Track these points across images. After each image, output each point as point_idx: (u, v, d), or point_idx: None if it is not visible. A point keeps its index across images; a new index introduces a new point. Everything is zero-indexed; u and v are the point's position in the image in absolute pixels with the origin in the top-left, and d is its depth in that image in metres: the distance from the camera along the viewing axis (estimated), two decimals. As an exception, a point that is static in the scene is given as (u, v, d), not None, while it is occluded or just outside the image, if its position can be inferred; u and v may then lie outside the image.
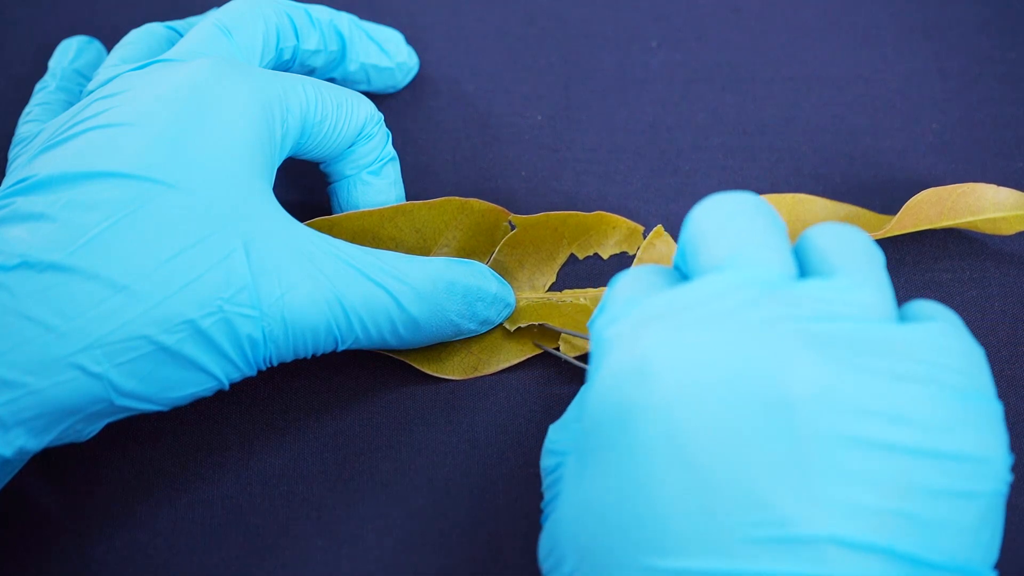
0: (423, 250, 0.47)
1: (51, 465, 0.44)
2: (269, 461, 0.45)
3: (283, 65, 0.47)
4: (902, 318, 0.34)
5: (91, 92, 0.43)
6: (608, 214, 0.48)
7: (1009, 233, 0.47)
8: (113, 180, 0.38)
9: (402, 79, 0.52)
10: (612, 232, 0.49)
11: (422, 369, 0.46)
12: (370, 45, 0.50)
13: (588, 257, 0.49)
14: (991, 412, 0.32)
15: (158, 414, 0.45)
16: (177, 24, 0.48)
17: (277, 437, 0.45)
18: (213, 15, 0.45)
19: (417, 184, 0.50)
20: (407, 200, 0.48)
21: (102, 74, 0.43)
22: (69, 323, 0.37)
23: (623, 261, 0.49)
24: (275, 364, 0.41)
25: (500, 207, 0.47)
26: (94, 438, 0.41)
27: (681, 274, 0.36)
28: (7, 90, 0.53)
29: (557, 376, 0.46)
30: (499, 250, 0.48)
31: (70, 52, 0.50)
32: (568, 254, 0.49)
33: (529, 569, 0.42)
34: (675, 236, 0.48)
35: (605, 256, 0.49)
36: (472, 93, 0.53)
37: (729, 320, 0.32)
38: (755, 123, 0.52)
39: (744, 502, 0.30)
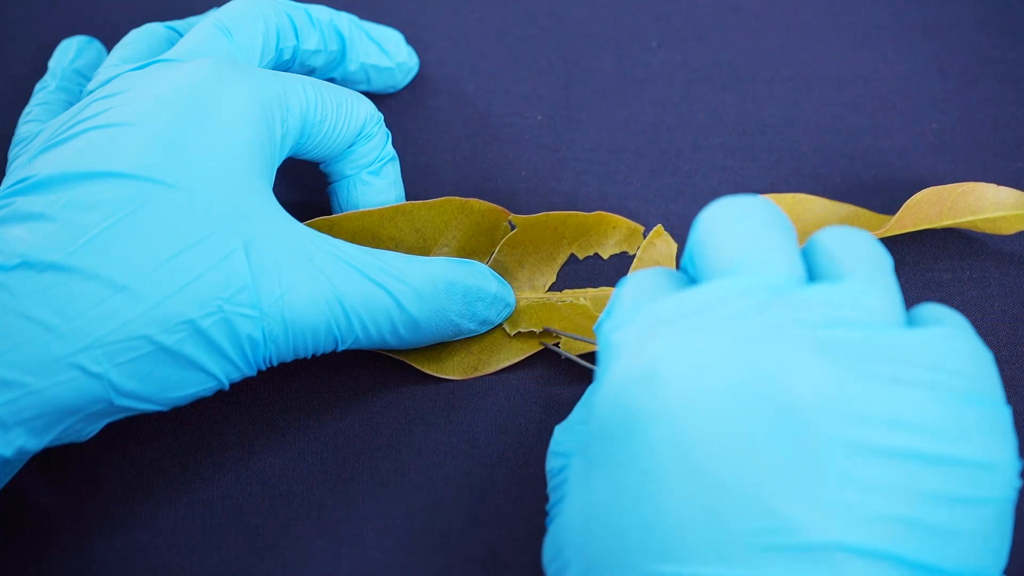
0: (423, 250, 0.47)
1: (51, 465, 0.44)
2: (269, 461, 0.45)
3: (283, 65, 0.47)
4: (910, 322, 0.34)
5: (91, 92, 0.43)
6: (608, 214, 0.48)
7: (1009, 233, 0.47)
8: (113, 180, 0.38)
9: (402, 79, 0.52)
10: (612, 232, 0.49)
11: (422, 369, 0.46)
12: (370, 45, 0.50)
13: (588, 257, 0.49)
14: (1000, 417, 0.32)
15: (158, 414, 0.44)
16: (177, 24, 0.48)
17: (277, 437, 0.45)
18: (213, 15, 0.45)
19: (417, 184, 0.50)
20: (407, 200, 0.48)
21: (102, 74, 0.43)
22: (69, 323, 0.37)
23: (623, 261, 0.49)
24: (275, 364, 0.41)
25: (500, 207, 0.47)
26: (94, 438, 0.41)
27: (688, 277, 0.36)
28: (7, 90, 0.53)
29: (557, 376, 0.46)
30: (499, 250, 0.48)
31: (70, 52, 0.50)
32: (568, 254, 0.49)
33: (529, 569, 0.42)
34: (675, 236, 0.48)
35: (605, 256, 0.49)
36: (472, 93, 0.53)
37: (737, 325, 0.32)
38: (755, 123, 0.52)
39: (752, 509, 0.30)
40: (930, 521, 0.30)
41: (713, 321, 0.32)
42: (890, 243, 0.49)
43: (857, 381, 0.31)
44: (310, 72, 0.49)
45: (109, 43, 0.51)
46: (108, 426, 0.42)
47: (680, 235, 0.48)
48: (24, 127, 0.46)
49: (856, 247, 0.34)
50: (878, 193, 0.50)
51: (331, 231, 0.45)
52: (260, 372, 0.41)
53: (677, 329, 0.32)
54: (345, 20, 0.49)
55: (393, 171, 0.47)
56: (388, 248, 0.46)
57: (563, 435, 0.39)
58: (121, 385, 0.38)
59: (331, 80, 0.50)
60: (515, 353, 0.46)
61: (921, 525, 0.30)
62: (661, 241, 0.48)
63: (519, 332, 0.46)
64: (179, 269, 0.38)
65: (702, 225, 0.35)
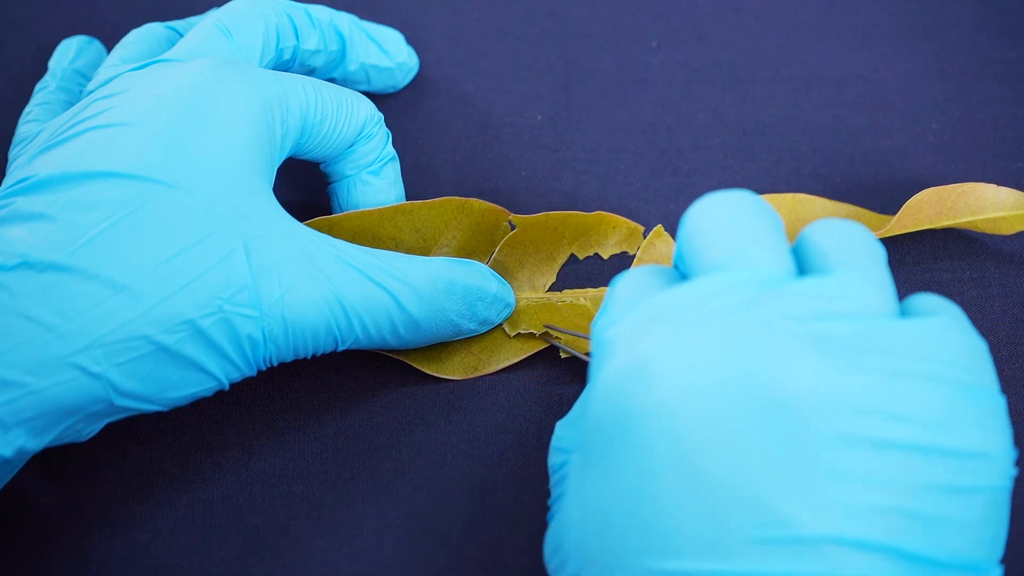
0: (423, 250, 0.47)
1: (51, 465, 0.44)
2: (269, 461, 0.45)
3: (283, 65, 0.47)
4: (904, 313, 0.34)
5: (91, 92, 0.43)
6: (608, 214, 0.48)
7: (1009, 233, 0.47)
8: (113, 180, 0.38)
9: (402, 79, 0.52)
10: (612, 232, 0.49)
11: (422, 369, 0.46)
12: (370, 45, 0.50)
13: (588, 257, 0.49)
14: (994, 407, 0.32)
15: (158, 414, 0.44)
16: (177, 24, 0.48)
17: (277, 437, 0.45)
18: (213, 15, 0.45)
19: (417, 184, 0.50)
20: (407, 200, 0.48)
21: (102, 74, 0.43)
22: (69, 323, 0.37)
23: (623, 261, 0.49)
24: (275, 364, 0.41)
25: (500, 207, 0.47)
26: (94, 438, 0.41)
27: (680, 274, 0.36)
28: (7, 90, 0.53)
29: (557, 376, 0.46)
30: (499, 250, 0.48)
31: (70, 52, 0.50)
32: (568, 254, 0.49)
33: (529, 569, 0.42)
34: (675, 236, 0.48)
35: (605, 256, 0.49)
36: (472, 93, 0.53)
37: (729, 320, 0.32)
38: (755, 123, 0.52)
39: (746, 503, 0.30)
40: (925, 512, 0.30)
41: (705, 316, 0.32)
42: (890, 243, 0.49)
43: (850, 374, 0.31)
44: (310, 72, 0.49)
45: (109, 43, 0.51)
46: (108, 426, 0.42)
47: (680, 235, 0.48)
48: (24, 127, 0.46)
49: (847, 239, 0.34)
50: (878, 193, 0.50)
51: (331, 231, 0.45)
52: (260, 372, 0.41)
53: (669, 325, 0.32)
54: (345, 20, 0.49)
55: (393, 171, 0.47)
56: (388, 248, 0.46)
57: (564, 430, 0.39)
58: (121, 385, 0.38)
59: (331, 80, 0.50)
60: (515, 353, 0.46)
61: (916, 516, 0.30)
62: (661, 241, 0.48)
63: (519, 333, 0.46)
64: (179, 269, 0.38)
65: (690, 221, 0.35)
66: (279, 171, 0.48)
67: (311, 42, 0.47)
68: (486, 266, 0.46)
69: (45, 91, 0.48)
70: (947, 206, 0.47)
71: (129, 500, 0.44)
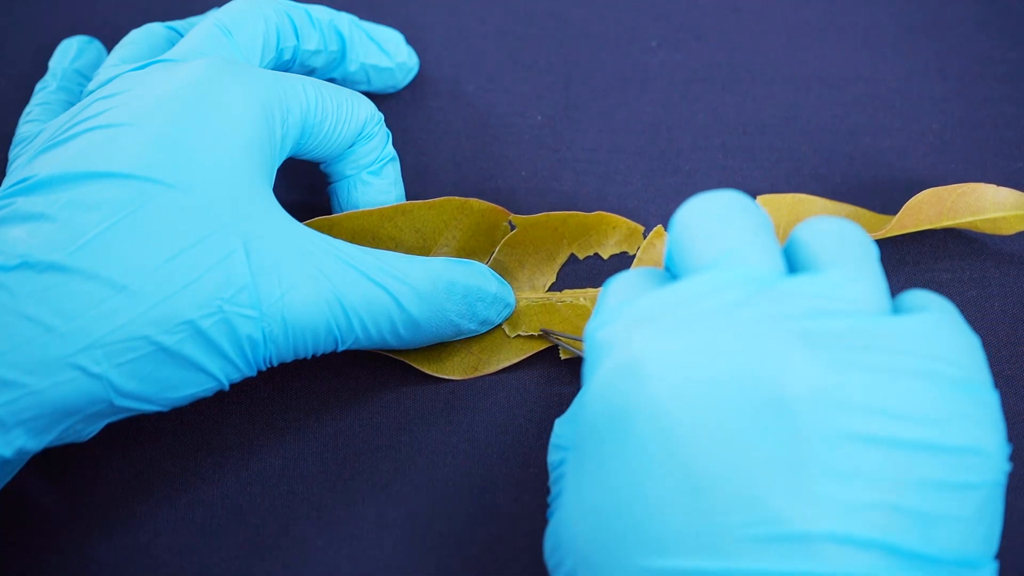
0: (423, 250, 0.47)
1: (51, 465, 0.44)
2: (269, 461, 0.45)
3: (283, 65, 0.47)
4: (896, 309, 0.34)
5: (91, 92, 0.43)
6: (608, 214, 0.48)
7: (1009, 233, 0.47)
8: (113, 180, 0.38)
9: (402, 79, 0.52)
10: (612, 232, 0.49)
11: (422, 369, 0.46)
12: (370, 45, 0.50)
13: (588, 257, 0.49)
14: (987, 402, 0.32)
15: (158, 414, 0.45)
16: (177, 24, 0.48)
17: (277, 437, 0.45)
18: (213, 15, 0.45)
19: (417, 184, 0.50)
20: (407, 200, 0.48)
21: (102, 74, 0.43)
22: (69, 323, 0.37)
23: (623, 261, 0.49)
24: (275, 364, 0.41)
25: (500, 207, 0.47)
26: (94, 438, 0.41)
27: (672, 275, 0.36)
28: (7, 90, 0.53)
29: (557, 376, 0.46)
30: (499, 250, 0.48)
31: (70, 52, 0.50)
32: (568, 254, 0.49)
33: (530, 569, 0.42)
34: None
35: (605, 256, 0.49)
36: (472, 93, 0.53)
37: (720, 319, 0.32)
38: (755, 123, 0.52)
39: (739, 501, 0.30)
40: (919, 508, 0.30)
41: (696, 315, 0.32)
42: (890, 243, 0.49)
43: (842, 371, 0.31)
44: (310, 72, 0.49)
45: (109, 43, 0.51)
46: (108, 426, 0.42)
47: (680, 235, 0.48)
48: (24, 127, 0.46)
49: (837, 237, 0.34)
50: (878, 193, 0.50)
51: (331, 231, 0.45)
52: (260, 372, 0.41)
53: (661, 325, 0.32)
54: (345, 20, 0.49)
55: (393, 171, 0.47)
56: (388, 248, 0.46)
57: (563, 427, 0.39)
58: (121, 385, 0.38)
59: (331, 80, 0.50)
60: (515, 353, 0.46)
61: (910, 512, 0.30)
62: (661, 241, 0.48)
63: (518, 335, 0.46)
64: (179, 269, 0.38)
65: (680, 222, 0.35)
66: (279, 171, 0.48)
67: (311, 42, 0.47)
68: (486, 266, 0.46)
69: (45, 91, 0.48)
70: (947, 206, 0.47)
71: (129, 500, 0.44)
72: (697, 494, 0.31)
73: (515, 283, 0.48)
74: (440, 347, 0.46)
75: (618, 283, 0.35)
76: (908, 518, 0.30)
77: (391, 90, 0.52)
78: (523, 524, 0.43)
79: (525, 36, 0.54)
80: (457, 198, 0.47)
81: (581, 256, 0.49)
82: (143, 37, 0.46)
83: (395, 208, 0.46)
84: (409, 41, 0.52)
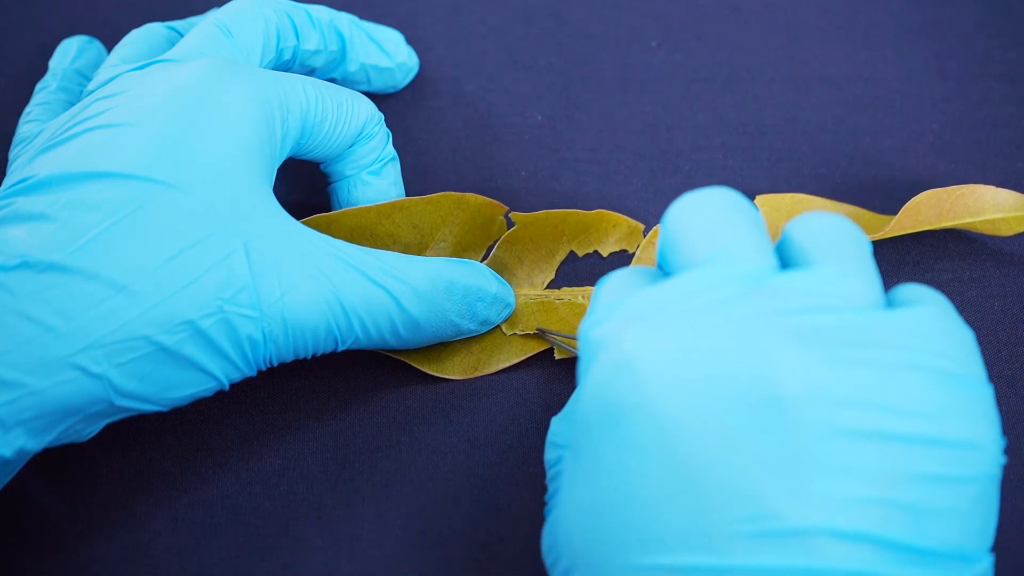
0: (420, 246, 0.47)
1: (51, 465, 0.44)
2: (269, 461, 0.45)
3: (283, 65, 0.47)
4: (889, 303, 0.34)
5: (91, 92, 0.43)
6: (609, 212, 0.48)
7: (1008, 234, 0.47)
8: (113, 180, 0.38)
9: (402, 79, 0.52)
10: (612, 230, 0.49)
11: (422, 369, 0.46)
12: (370, 45, 0.50)
13: (588, 255, 0.49)
14: (981, 395, 0.32)
15: (158, 414, 0.45)
16: (177, 24, 0.48)
17: (277, 437, 0.45)
18: (213, 15, 0.45)
19: (417, 184, 0.50)
20: (406, 200, 0.48)
21: (102, 74, 0.43)
22: (69, 323, 0.37)
23: (623, 260, 0.49)
24: (275, 364, 0.41)
25: (496, 201, 0.47)
26: (94, 438, 0.41)
27: (664, 273, 0.36)
28: (7, 90, 0.53)
29: (557, 376, 0.46)
30: (499, 246, 0.48)
31: (70, 52, 0.50)
32: (568, 251, 0.49)
33: (529, 569, 0.42)
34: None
35: (605, 254, 0.49)
36: (472, 93, 0.53)
37: (712, 315, 0.32)
38: (755, 123, 0.52)
39: (733, 497, 0.30)
40: (914, 502, 0.30)
41: (689, 312, 0.32)
42: (890, 243, 0.49)
43: (836, 366, 0.31)
44: (310, 72, 0.49)
45: (109, 43, 0.51)
46: (108, 426, 0.42)
47: (680, 235, 0.48)
48: (24, 127, 0.46)
49: (829, 232, 0.34)
50: (878, 193, 0.50)
51: (329, 228, 0.45)
52: (260, 372, 0.41)
53: (653, 322, 0.32)
54: (345, 20, 0.49)
55: (394, 171, 0.47)
56: (386, 244, 0.46)
57: (559, 425, 0.39)
58: (121, 385, 0.38)
59: (331, 80, 0.50)
60: (515, 353, 0.46)
61: (905, 506, 0.30)
62: (661, 241, 0.48)
63: (515, 334, 0.46)
64: (179, 269, 0.38)
65: (671, 220, 0.35)
66: (279, 171, 0.48)
67: (311, 42, 0.47)
68: (486, 266, 0.46)
69: (45, 91, 0.48)
70: (946, 208, 0.47)
71: (129, 500, 0.44)
72: (692, 491, 0.31)
73: (514, 280, 0.48)
74: (440, 347, 0.46)
75: (611, 281, 0.36)
76: (903, 512, 0.30)
77: (391, 90, 0.52)
78: (523, 523, 0.43)
79: (525, 36, 0.54)
80: (454, 193, 0.47)
81: (581, 254, 0.49)
82: (143, 37, 0.46)
83: (392, 204, 0.46)
84: (409, 41, 0.52)
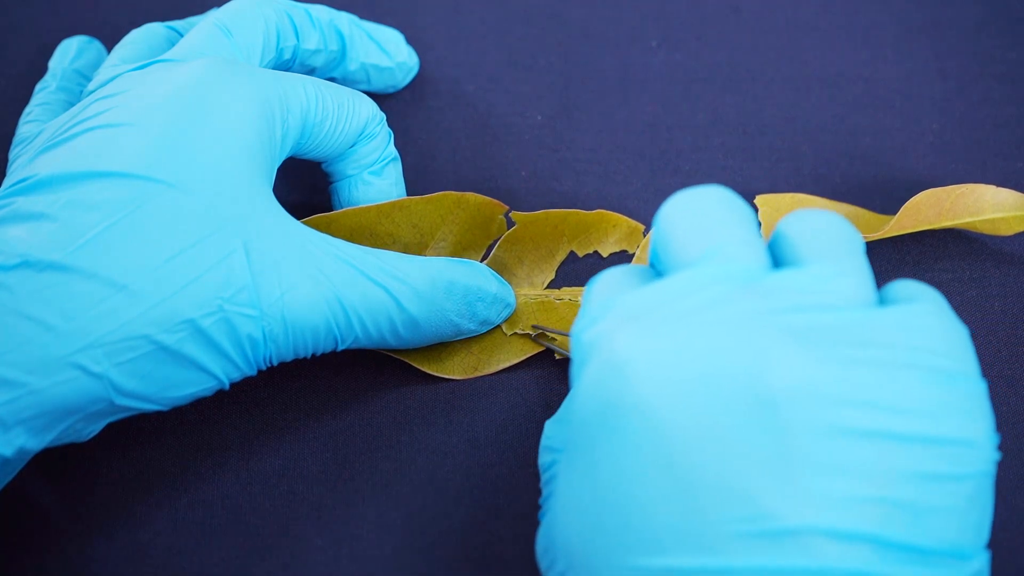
0: (420, 245, 0.47)
1: (51, 465, 0.44)
2: (269, 461, 0.45)
3: (283, 65, 0.47)
4: (882, 301, 0.34)
5: (91, 92, 0.43)
6: (609, 212, 0.48)
7: (1008, 234, 0.47)
8: (113, 180, 0.38)
9: (402, 79, 0.52)
10: (612, 230, 0.49)
11: (422, 369, 0.46)
12: (370, 45, 0.50)
13: (588, 255, 0.49)
14: (975, 392, 0.32)
15: (158, 414, 0.45)
16: (177, 24, 0.48)
17: (277, 437, 0.45)
18: (213, 15, 0.45)
19: (418, 184, 0.50)
20: (407, 200, 0.48)
21: (102, 74, 0.43)
22: (69, 323, 0.37)
23: (623, 260, 0.49)
24: (275, 364, 0.41)
25: (496, 200, 0.47)
26: (94, 438, 0.41)
27: (657, 272, 0.36)
28: (7, 90, 0.53)
29: (557, 376, 0.46)
30: (499, 246, 0.48)
31: (70, 52, 0.50)
32: (568, 251, 0.49)
33: (530, 569, 0.42)
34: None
35: (605, 254, 0.49)
36: (472, 93, 0.53)
37: (705, 315, 0.32)
38: (755, 123, 0.52)
39: (728, 498, 0.30)
40: (909, 500, 0.30)
41: (681, 312, 0.32)
42: (890, 243, 0.49)
43: (829, 365, 0.31)
44: (310, 72, 0.49)
45: (109, 43, 0.51)
46: (108, 426, 0.42)
47: (680, 235, 0.48)
48: (24, 127, 0.46)
49: (821, 230, 0.34)
50: (878, 193, 0.50)
51: (329, 228, 0.45)
52: (260, 372, 0.41)
53: (646, 322, 0.32)
54: (345, 20, 0.49)
55: (395, 171, 0.47)
56: (385, 243, 0.46)
57: (553, 429, 0.39)
58: (121, 385, 0.38)
59: (331, 80, 0.50)
60: (515, 353, 0.46)
61: (900, 505, 0.30)
62: (661, 241, 0.48)
63: (515, 333, 0.46)
64: (179, 269, 0.38)
65: (663, 219, 0.35)
66: (279, 171, 0.48)
67: (311, 42, 0.47)
68: (486, 266, 0.46)
69: (45, 91, 0.48)
70: (946, 207, 0.47)
71: (129, 500, 0.44)
72: (687, 492, 0.31)
73: (514, 280, 0.48)
74: (440, 347, 0.46)
75: (602, 282, 0.35)
76: (899, 510, 0.30)
77: (391, 90, 0.52)
78: (523, 524, 0.43)
79: (525, 36, 0.54)
80: (454, 193, 0.47)
81: (581, 254, 0.49)
82: (143, 37, 0.46)
83: (392, 204, 0.46)
84: (409, 41, 0.52)
